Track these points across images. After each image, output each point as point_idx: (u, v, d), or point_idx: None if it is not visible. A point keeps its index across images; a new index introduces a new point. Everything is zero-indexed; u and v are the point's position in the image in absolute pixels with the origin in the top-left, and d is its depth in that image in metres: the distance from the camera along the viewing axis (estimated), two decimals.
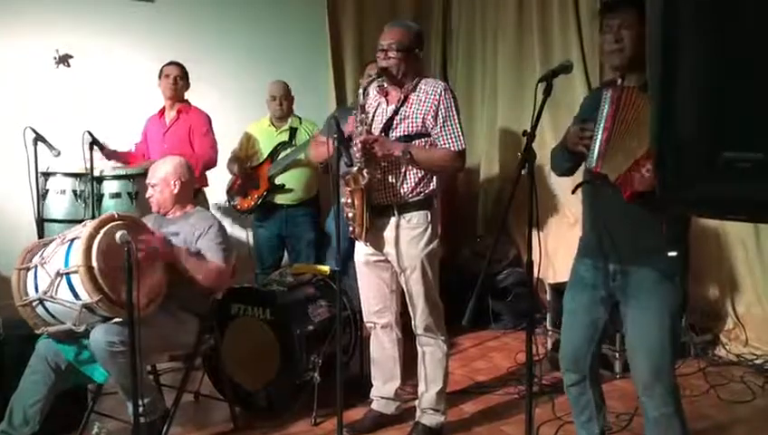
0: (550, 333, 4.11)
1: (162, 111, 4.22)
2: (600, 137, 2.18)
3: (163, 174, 3.08)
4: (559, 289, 4.08)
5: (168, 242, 2.89)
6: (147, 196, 3.13)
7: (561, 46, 4.70)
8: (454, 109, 2.89)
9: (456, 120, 2.89)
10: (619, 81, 2.28)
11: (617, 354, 3.74)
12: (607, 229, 2.30)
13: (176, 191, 3.08)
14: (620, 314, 2.34)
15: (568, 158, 2.37)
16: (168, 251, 2.83)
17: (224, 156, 4.36)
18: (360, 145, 2.81)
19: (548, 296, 4.21)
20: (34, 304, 2.68)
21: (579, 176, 2.41)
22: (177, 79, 4.15)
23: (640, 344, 2.29)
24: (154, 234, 2.87)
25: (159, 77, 4.18)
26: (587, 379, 2.44)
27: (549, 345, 4.08)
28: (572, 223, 4.65)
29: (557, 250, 4.67)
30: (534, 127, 2.11)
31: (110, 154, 4.00)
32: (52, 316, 2.68)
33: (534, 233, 2.15)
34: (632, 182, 2.12)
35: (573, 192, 2.40)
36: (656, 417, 2.30)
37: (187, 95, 4.24)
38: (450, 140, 2.88)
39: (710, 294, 4.24)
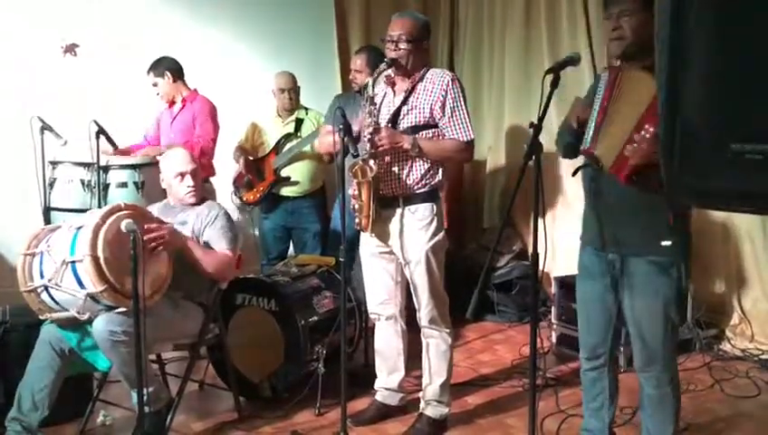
0: (555, 326, 4.10)
1: (171, 103, 4.21)
2: (594, 118, 2.18)
3: (193, 162, 3.09)
4: (564, 282, 4.08)
5: (175, 231, 2.89)
6: (188, 186, 3.03)
7: (569, 38, 4.67)
8: (462, 99, 2.88)
9: (464, 110, 2.88)
10: (618, 63, 2.27)
11: (621, 348, 3.72)
12: (604, 217, 2.33)
13: None
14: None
15: (571, 133, 2.36)
16: (175, 239, 2.83)
17: (230, 147, 4.36)
18: (368, 137, 2.81)
19: (553, 289, 4.20)
20: (39, 290, 2.69)
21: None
22: (155, 85, 4.11)
23: (635, 332, 2.35)
24: (161, 223, 2.87)
25: None
26: (604, 366, 2.48)
27: (554, 339, 4.08)
28: (580, 216, 4.63)
29: (563, 243, 4.65)
30: (541, 119, 2.10)
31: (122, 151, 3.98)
32: (57, 303, 2.70)
33: (540, 225, 2.14)
34: (625, 160, 2.11)
35: (573, 175, 2.41)
36: (650, 395, 2.40)
37: (194, 85, 4.22)
38: (459, 131, 2.87)
39: (716, 288, 4.23)
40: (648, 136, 2.04)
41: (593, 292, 2.43)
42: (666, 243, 2.24)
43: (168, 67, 4.10)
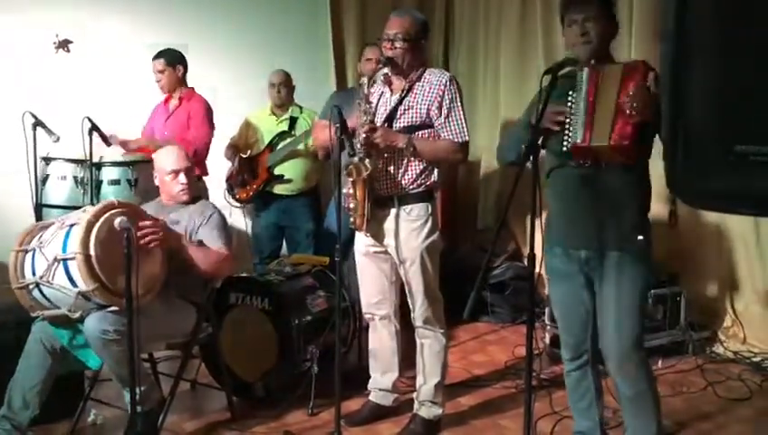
0: (548, 327, 4.10)
1: (168, 99, 4.17)
2: (582, 113, 2.19)
3: (187, 161, 3.08)
4: None
5: (170, 228, 2.86)
6: (181, 183, 3.03)
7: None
8: (458, 100, 2.87)
9: (461, 112, 2.87)
10: (593, 62, 2.30)
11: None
12: (579, 215, 2.33)
13: None
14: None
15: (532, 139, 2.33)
16: (170, 237, 2.80)
17: (223, 145, 4.33)
18: (362, 136, 2.79)
19: (547, 290, 4.19)
20: (30, 287, 2.66)
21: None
22: (162, 72, 4.05)
23: (611, 325, 2.35)
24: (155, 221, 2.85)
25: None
26: (587, 364, 2.49)
27: (547, 340, 4.07)
28: None
29: None
30: (539, 120, 2.10)
31: (122, 143, 3.97)
32: (48, 301, 2.67)
33: (537, 226, 2.14)
34: (626, 124, 2.13)
35: (548, 177, 2.40)
36: (630, 396, 2.39)
37: (188, 81, 4.19)
38: (454, 132, 2.86)
39: (709, 290, 4.23)
40: (632, 92, 2.09)
41: (569, 292, 2.45)
42: (641, 237, 2.29)
43: (182, 60, 4.08)
